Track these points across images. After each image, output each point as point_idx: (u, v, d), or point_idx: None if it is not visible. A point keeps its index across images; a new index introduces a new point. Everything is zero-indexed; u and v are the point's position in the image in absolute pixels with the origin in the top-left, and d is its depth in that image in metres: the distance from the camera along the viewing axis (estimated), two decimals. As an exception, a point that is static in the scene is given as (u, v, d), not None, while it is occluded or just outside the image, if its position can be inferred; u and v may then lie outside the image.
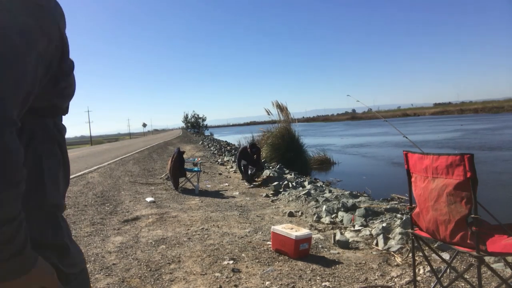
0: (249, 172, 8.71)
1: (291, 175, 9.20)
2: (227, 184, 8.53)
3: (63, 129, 0.92)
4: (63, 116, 0.94)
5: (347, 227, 4.57)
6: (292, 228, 3.68)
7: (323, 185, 8.03)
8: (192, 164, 9.18)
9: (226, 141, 30.90)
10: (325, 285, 2.92)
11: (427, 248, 3.03)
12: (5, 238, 0.65)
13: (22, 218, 0.68)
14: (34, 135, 0.82)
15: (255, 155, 8.85)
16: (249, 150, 9.01)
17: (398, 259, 3.36)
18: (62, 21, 0.85)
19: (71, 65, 0.89)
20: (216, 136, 48.66)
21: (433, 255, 2.99)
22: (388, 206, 4.95)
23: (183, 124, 77.56)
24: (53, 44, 0.79)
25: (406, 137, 3.51)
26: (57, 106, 0.88)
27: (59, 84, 0.85)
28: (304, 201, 6.04)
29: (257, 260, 3.51)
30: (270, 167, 10.56)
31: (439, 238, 2.13)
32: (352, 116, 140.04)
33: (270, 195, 7.02)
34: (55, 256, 0.81)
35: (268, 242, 3.98)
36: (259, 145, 14.18)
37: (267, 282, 3.00)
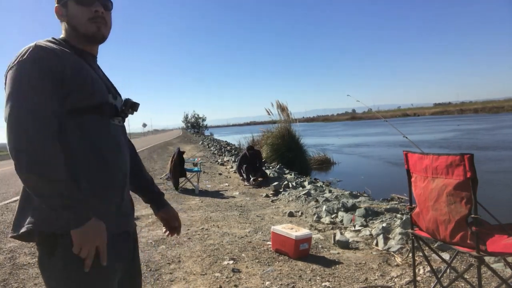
0: (250, 176, 8.62)
1: (291, 175, 9.19)
2: (227, 184, 8.53)
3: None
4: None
5: (347, 227, 4.57)
6: (292, 228, 3.68)
7: (323, 185, 8.02)
8: (192, 164, 9.18)
9: (226, 141, 30.90)
10: (325, 285, 2.92)
11: (427, 248, 3.03)
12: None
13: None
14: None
15: (257, 160, 8.77)
16: (247, 153, 8.96)
17: (398, 259, 3.36)
18: None
19: None
20: (216, 136, 48.65)
21: (433, 255, 2.99)
22: (388, 206, 4.95)
23: (183, 124, 77.58)
24: None
25: (406, 137, 3.52)
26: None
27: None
28: (304, 201, 6.04)
29: (257, 260, 3.51)
30: (270, 167, 10.56)
31: (439, 238, 2.13)
32: (352, 116, 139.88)
33: (270, 195, 7.02)
34: None
35: (268, 242, 3.98)
36: (258, 146, 14.17)
37: (267, 282, 3.00)
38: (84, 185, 1.10)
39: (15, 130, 1.01)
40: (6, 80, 1.08)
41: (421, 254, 2.78)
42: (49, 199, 1.02)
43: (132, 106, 1.31)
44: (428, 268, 2.92)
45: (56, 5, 1.23)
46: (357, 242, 3.97)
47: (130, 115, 1.33)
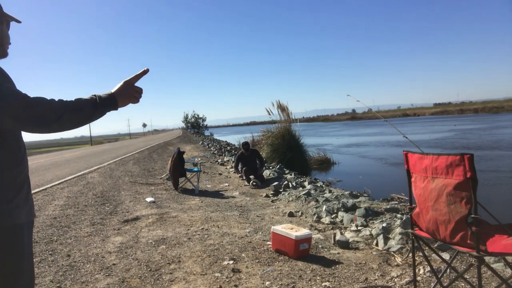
0: (250, 178, 8.59)
1: (291, 175, 9.19)
2: (227, 184, 8.53)
3: None
4: None
5: (347, 227, 4.57)
6: (292, 228, 3.68)
7: (323, 185, 8.02)
8: (192, 164, 9.18)
9: (226, 141, 30.92)
10: (325, 285, 2.92)
11: (427, 248, 3.04)
12: (85, 115, 1.27)
13: (70, 107, 1.23)
14: None
15: (256, 160, 8.73)
16: (244, 151, 8.91)
17: (398, 259, 3.36)
18: None
19: None
20: (216, 136, 48.67)
21: (433, 255, 2.99)
22: (388, 206, 4.95)
23: (183, 124, 77.58)
24: None
25: (406, 137, 3.53)
26: None
27: None
28: (304, 201, 6.04)
29: (257, 260, 3.51)
30: (270, 167, 10.56)
31: (439, 238, 2.13)
32: (352, 116, 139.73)
33: (270, 195, 7.02)
34: None
35: (268, 242, 3.98)
36: (258, 146, 14.16)
37: (267, 282, 3.00)
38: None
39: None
40: None
41: (421, 254, 2.78)
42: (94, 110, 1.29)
43: None
44: (428, 268, 2.92)
45: None
46: (357, 242, 3.97)
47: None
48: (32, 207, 1.40)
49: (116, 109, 1.35)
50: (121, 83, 1.38)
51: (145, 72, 1.42)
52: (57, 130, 1.24)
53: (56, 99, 1.24)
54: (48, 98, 1.23)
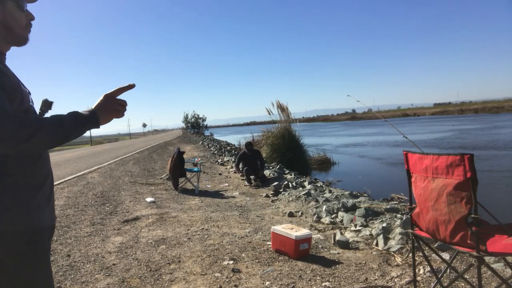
0: (251, 177, 8.61)
1: (291, 175, 9.20)
2: (227, 184, 8.53)
3: None
4: None
5: (347, 227, 4.57)
6: (292, 228, 3.68)
7: (323, 185, 8.02)
8: (192, 164, 9.19)
9: (226, 141, 30.93)
10: (325, 285, 2.92)
11: (427, 248, 3.03)
12: (65, 133, 1.11)
13: (46, 125, 1.06)
14: None
15: (258, 160, 8.74)
16: (246, 151, 8.92)
17: (398, 259, 3.36)
18: None
19: None
20: (216, 136, 48.68)
21: (433, 255, 2.99)
22: (388, 206, 4.95)
23: (183, 124, 77.68)
24: None
25: (406, 137, 3.53)
26: None
27: None
28: (304, 201, 6.04)
29: (257, 260, 3.51)
30: (270, 167, 10.56)
31: (439, 238, 2.13)
32: (352, 116, 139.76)
33: (270, 195, 7.02)
34: None
35: (268, 242, 3.98)
36: (258, 146, 14.17)
37: (267, 282, 3.00)
38: (21, 180, 1.15)
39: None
40: None
41: (421, 254, 2.78)
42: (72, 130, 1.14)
43: (50, 106, 1.31)
44: (428, 268, 2.92)
45: None
46: (357, 242, 3.97)
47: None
48: (53, 209, 1.29)
49: (98, 126, 1.22)
50: (101, 98, 1.24)
51: (130, 87, 1.28)
52: (27, 150, 1.07)
53: (31, 116, 1.10)
54: (22, 115, 1.09)
